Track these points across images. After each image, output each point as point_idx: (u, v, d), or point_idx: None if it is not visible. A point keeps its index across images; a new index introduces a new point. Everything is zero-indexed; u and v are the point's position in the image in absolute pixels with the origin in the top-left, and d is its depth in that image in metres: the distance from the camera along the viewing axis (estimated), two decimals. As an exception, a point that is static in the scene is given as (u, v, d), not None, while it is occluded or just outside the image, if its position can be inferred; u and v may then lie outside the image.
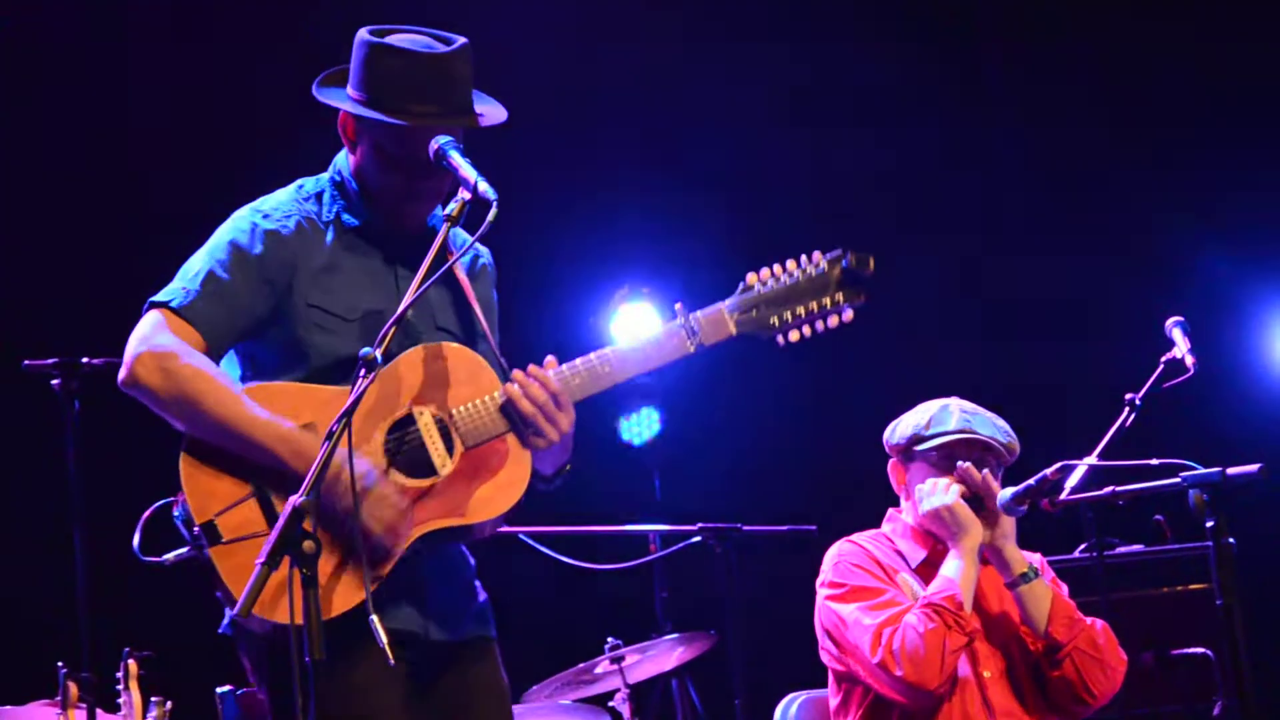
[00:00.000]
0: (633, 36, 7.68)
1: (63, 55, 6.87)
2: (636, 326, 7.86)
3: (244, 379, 3.48)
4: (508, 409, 3.38)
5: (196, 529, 3.27)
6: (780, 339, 3.55)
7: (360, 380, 3.07)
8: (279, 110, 6.79)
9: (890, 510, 4.42)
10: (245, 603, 2.88)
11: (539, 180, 6.97)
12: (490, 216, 3.27)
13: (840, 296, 3.53)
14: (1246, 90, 7.80)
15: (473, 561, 3.64)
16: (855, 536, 4.35)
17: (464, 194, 3.32)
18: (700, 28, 7.84)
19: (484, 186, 3.31)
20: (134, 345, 3.36)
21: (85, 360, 4.94)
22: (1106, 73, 8.00)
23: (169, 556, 3.32)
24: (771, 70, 7.87)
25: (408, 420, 3.36)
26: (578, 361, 3.46)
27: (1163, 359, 5.09)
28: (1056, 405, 7.52)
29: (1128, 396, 5.05)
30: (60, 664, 5.01)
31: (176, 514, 3.32)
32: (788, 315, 3.53)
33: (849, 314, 3.54)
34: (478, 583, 3.62)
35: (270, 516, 3.29)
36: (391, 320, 3.15)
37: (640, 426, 8.24)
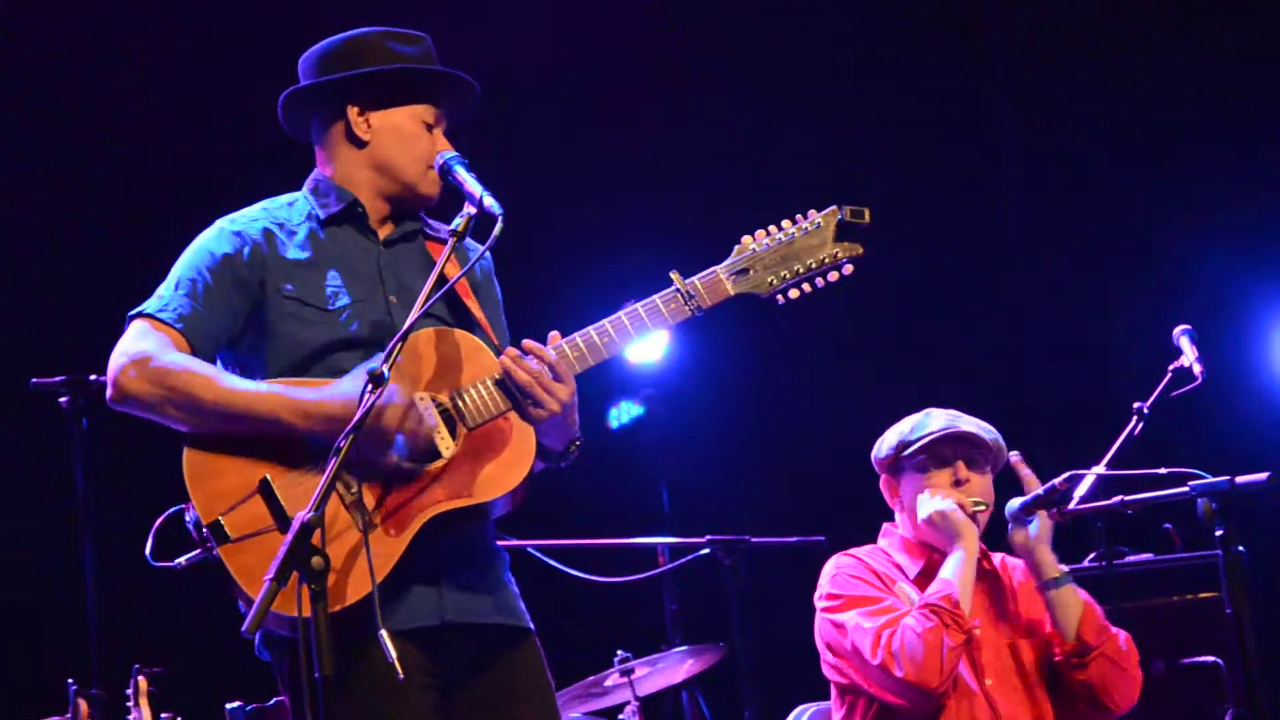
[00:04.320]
0: (636, 47, 7.69)
1: (73, 69, 6.89)
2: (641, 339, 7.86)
3: None
4: (503, 382, 3.38)
5: (205, 530, 3.27)
6: (779, 298, 3.52)
7: (367, 396, 3.08)
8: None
9: (885, 525, 4.44)
10: (254, 619, 2.88)
11: (541, 195, 6.98)
12: (496, 231, 3.31)
13: (838, 252, 3.52)
14: (1252, 95, 7.79)
15: (506, 556, 3.61)
16: (852, 550, 4.37)
17: (469, 208, 3.36)
18: (702, 38, 7.85)
19: (489, 201, 3.35)
20: (115, 359, 3.40)
21: (93, 378, 4.95)
22: (1111, 79, 8.00)
23: (181, 560, 3.33)
24: (774, 81, 7.88)
25: (409, 405, 3.34)
26: (575, 335, 3.47)
27: (1171, 367, 5.09)
28: (1064, 415, 7.51)
29: (1136, 405, 5.05)
30: (70, 681, 5.01)
31: (188, 519, 3.32)
32: (785, 274, 3.52)
33: (848, 268, 3.53)
34: (509, 575, 3.59)
35: (276, 510, 3.28)
36: (398, 337, 3.16)
37: (623, 414, 8.25)
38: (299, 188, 3.68)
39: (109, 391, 3.39)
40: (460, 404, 3.37)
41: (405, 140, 3.56)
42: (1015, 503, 4.16)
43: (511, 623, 3.51)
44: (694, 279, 3.51)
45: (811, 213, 3.55)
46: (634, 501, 7.64)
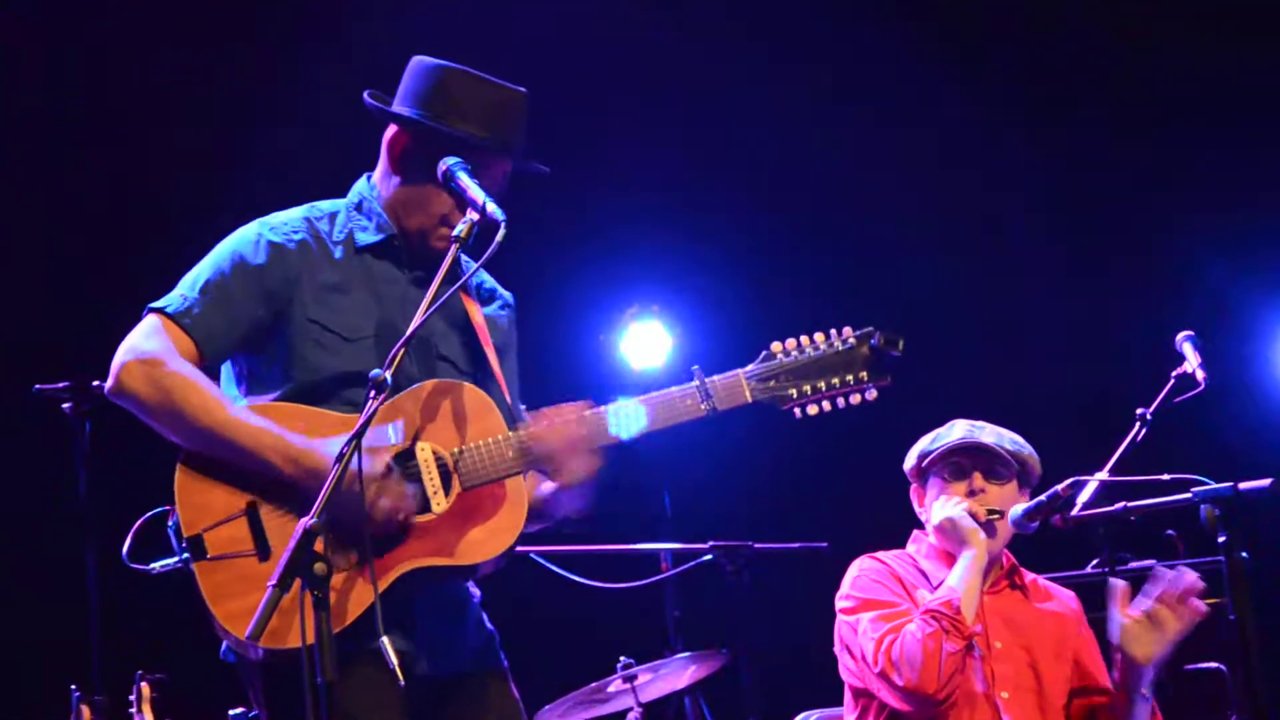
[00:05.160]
0: (642, 50, 7.69)
1: (76, 73, 6.89)
2: (645, 346, 7.86)
3: (239, 394, 3.49)
4: (524, 447, 3.38)
5: (184, 542, 3.27)
6: (797, 411, 3.49)
7: (370, 401, 3.07)
8: (299, 131, 6.82)
9: (916, 531, 4.45)
10: (257, 625, 2.87)
11: (547, 199, 6.97)
12: (499, 237, 3.28)
13: (865, 375, 3.47)
14: (1255, 101, 7.78)
15: (477, 595, 3.61)
16: (879, 554, 4.39)
17: (472, 215, 3.34)
18: (707, 43, 7.84)
19: (492, 208, 3.33)
20: (122, 353, 3.37)
21: (96, 384, 4.95)
22: (1114, 86, 7.99)
23: (156, 565, 3.33)
24: (780, 86, 7.87)
25: (409, 454, 3.35)
26: (588, 411, 3.45)
27: (1174, 373, 5.08)
28: (1067, 421, 7.50)
29: (1139, 411, 5.04)
30: (73, 687, 5.01)
31: (170, 523, 3.32)
32: (807, 389, 3.48)
33: (873, 394, 3.48)
34: (484, 615, 3.60)
35: (258, 536, 3.28)
36: (400, 343, 3.15)
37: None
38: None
39: (109, 383, 3.37)
40: (460, 462, 3.36)
41: (428, 192, 3.51)
42: (1018, 509, 4.16)
43: (486, 668, 3.54)
44: (715, 378, 3.48)
45: (846, 330, 3.51)
46: (636, 507, 7.63)
